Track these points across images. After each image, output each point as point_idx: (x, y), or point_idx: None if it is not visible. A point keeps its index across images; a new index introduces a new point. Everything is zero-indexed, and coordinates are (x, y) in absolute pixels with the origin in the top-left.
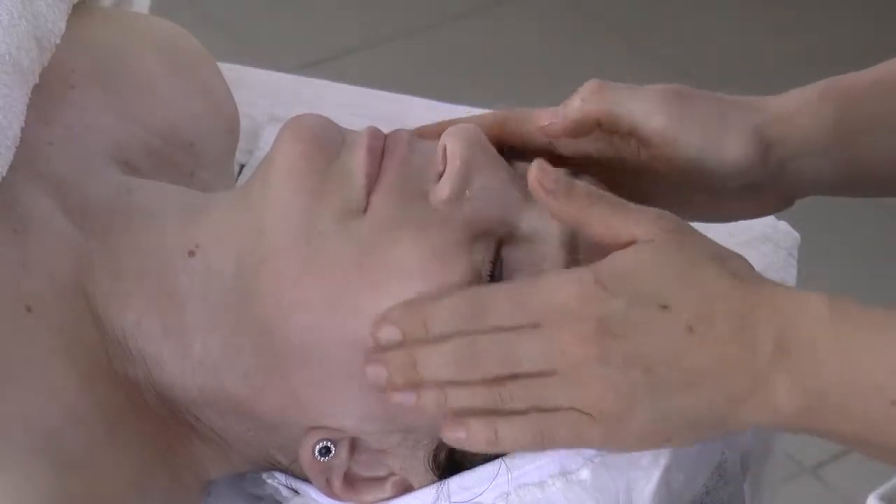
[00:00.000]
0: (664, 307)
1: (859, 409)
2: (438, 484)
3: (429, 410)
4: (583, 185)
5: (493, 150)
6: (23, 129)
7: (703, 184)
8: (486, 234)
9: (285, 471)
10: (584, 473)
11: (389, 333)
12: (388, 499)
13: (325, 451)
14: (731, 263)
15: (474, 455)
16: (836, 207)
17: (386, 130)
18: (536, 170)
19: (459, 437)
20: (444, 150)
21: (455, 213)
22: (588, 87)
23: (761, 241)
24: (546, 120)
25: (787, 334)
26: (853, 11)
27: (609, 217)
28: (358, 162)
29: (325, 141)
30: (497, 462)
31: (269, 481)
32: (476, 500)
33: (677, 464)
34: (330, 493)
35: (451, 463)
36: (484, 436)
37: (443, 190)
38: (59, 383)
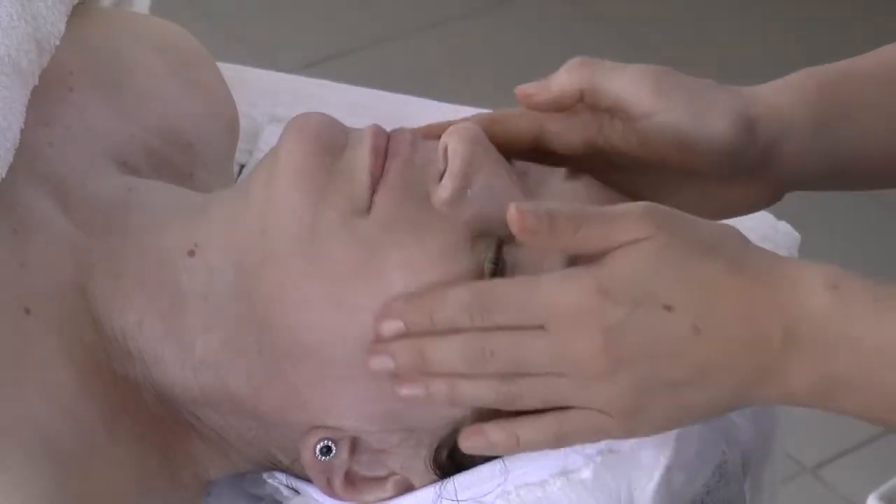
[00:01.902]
0: (668, 308)
1: (877, 384)
2: (439, 483)
3: (438, 402)
4: (565, 211)
5: (494, 150)
6: (22, 131)
7: (689, 168)
8: (487, 233)
9: (286, 470)
10: (586, 473)
11: (393, 327)
12: (390, 498)
13: (326, 451)
14: (725, 249)
15: (475, 454)
16: (836, 207)
17: (387, 130)
18: (515, 213)
19: (480, 445)
20: (446, 149)
21: (457, 212)
22: (573, 62)
23: (761, 241)
24: (531, 91)
25: (794, 325)
26: (854, 11)
27: (598, 233)
28: (362, 161)
29: (329, 140)
30: (498, 461)
31: (270, 481)
32: (477, 499)
33: (678, 463)
34: (331, 493)
35: (452, 462)
36: (504, 441)
37: (444, 189)
38: (58, 384)
